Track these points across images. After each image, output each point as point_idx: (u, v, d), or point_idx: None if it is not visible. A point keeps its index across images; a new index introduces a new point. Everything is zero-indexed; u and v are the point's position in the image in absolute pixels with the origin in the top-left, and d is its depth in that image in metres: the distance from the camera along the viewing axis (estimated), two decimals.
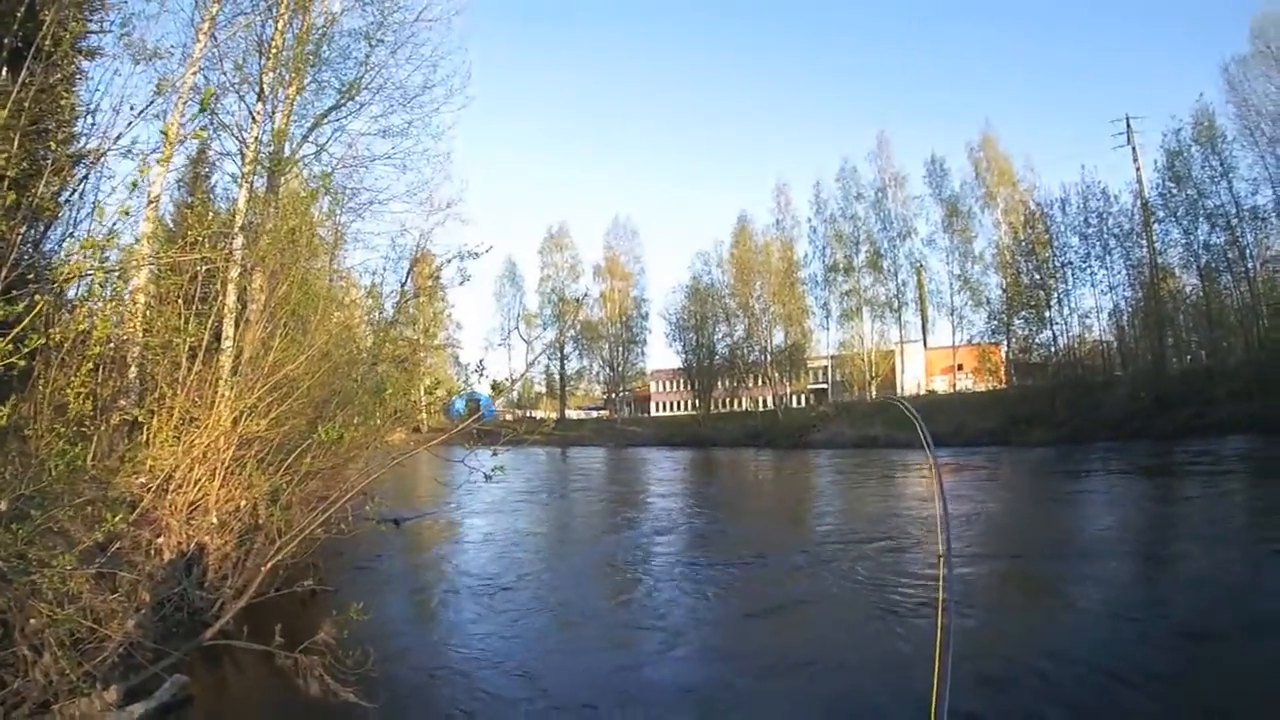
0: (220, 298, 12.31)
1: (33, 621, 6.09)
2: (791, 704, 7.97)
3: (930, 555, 14.17)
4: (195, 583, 9.62)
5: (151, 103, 6.71)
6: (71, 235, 10.47)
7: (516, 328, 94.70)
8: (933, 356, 78.65)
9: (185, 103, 12.48)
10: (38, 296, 5.04)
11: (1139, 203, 53.40)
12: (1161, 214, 52.61)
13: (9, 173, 5.75)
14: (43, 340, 5.04)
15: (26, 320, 5.11)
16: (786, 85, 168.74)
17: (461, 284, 13.04)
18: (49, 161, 7.97)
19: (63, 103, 9.01)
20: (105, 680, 6.55)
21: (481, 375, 10.52)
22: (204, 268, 10.95)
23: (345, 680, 7.49)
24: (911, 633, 9.78)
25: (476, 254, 12.53)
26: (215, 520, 10.34)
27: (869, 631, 10.22)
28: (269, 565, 9.61)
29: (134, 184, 7.48)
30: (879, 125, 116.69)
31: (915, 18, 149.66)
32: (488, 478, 8.94)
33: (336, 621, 8.04)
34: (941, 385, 74.50)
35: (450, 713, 7.95)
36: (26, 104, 7.29)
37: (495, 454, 9.05)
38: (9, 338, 4.69)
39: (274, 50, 15.30)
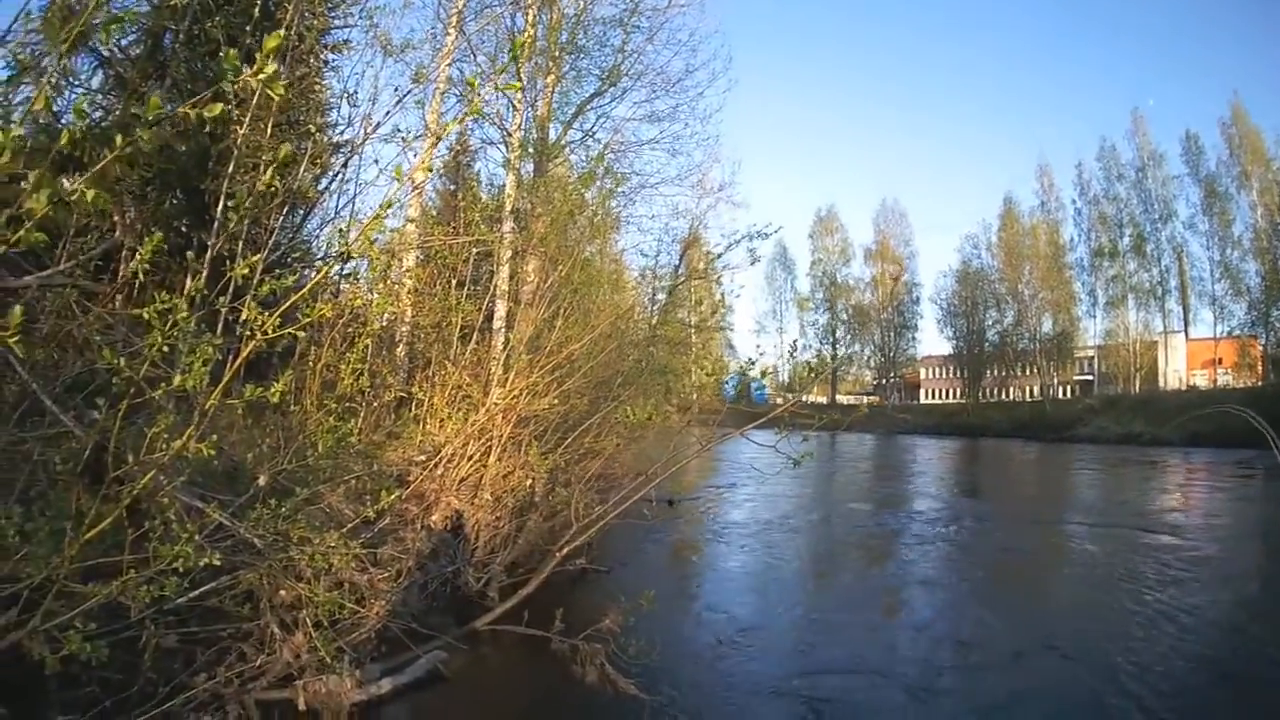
0: (493, 280, 12.22)
1: (282, 594, 5.86)
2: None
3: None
4: (465, 560, 9.41)
5: (410, 92, 6.46)
6: (333, 220, 10.57)
7: (821, 312, 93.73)
8: (1194, 348, 72.56)
9: (441, 94, 12.45)
10: (314, 271, 4.78)
11: None
12: None
13: (277, 161, 5.53)
14: (313, 316, 4.74)
15: (301, 294, 4.86)
16: (1043, 62, 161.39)
17: (752, 264, 12.74)
18: (306, 150, 7.92)
19: (314, 96, 9.03)
20: (358, 658, 6.27)
21: (794, 356, 10.09)
22: (475, 251, 10.84)
23: (626, 671, 6.99)
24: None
25: (766, 234, 12.23)
26: (489, 497, 10.13)
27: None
28: (567, 549, 9.38)
29: (427, 167, 7.37)
30: (1132, 103, 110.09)
31: None
32: (796, 463, 8.25)
33: (624, 609, 7.56)
34: (1201, 380, 68.97)
35: (733, 710, 7.29)
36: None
37: (805, 439, 8.47)
38: (278, 312, 4.41)
39: (526, 40, 15.03)
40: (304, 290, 4.66)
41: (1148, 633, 9.74)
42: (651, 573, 13.01)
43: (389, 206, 5.20)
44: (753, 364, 10.02)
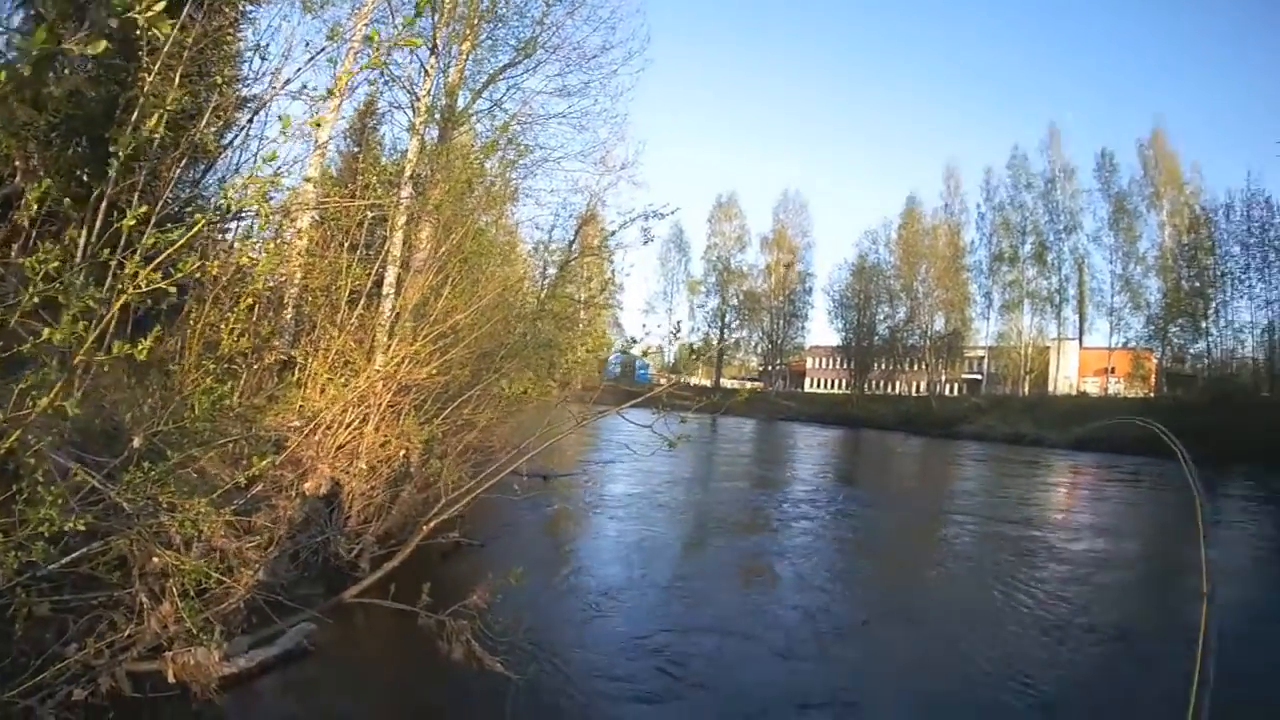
0: (386, 245, 12.13)
1: (155, 561, 5.81)
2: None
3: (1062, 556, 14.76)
4: (337, 529, 9.38)
5: (323, 49, 6.38)
6: (234, 176, 10.41)
7: (712, 296, 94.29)
8: (1087, 356, 75.23)
9: (356, 54, 12.32)
10: (194, 225, 4.69)
11: None
12: None
13: (166, 109, 5.43)
14: (196, 270, 4.69)
15: (177, 245, 4.77)
16: (958, 72, 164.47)
17: (645, 244, 12.89)
18: (211, 102, 7.78)
19: (227, 47, 8.89)
20: (227, 629, 6.23)
21: (676, 337, 10.12)
22: (370, 214, 10.76)
23: (493, 648, 7.02)
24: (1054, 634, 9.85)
25: (662, 214, 12.35)
26: (365, 466, 10.10)
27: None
28: (435, 521, 9.39)
29: (317, 122, 7.29)
30: (1050, 116, 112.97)
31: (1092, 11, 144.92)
32: (671, 445, 8.28)
33: (492, 584, 7.56)
34: (1092, 387, 71.88)
35: (598, 691, 7.43)
36: (187, 45, 7.08)
37: (683, 421, 8.48)
38: (152, 265, 4.35)
39: (447, 6, 15.06)
40: (178, 244, 4.56)
41: (992, 606, 11.08)
42: (526, 547, 13.19)
43: (272, 158, 5.18)
44: (634, 343, 10.10)
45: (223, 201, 5.27)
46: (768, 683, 7.91)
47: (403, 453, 10.70)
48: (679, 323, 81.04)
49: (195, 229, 4.65)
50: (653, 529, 15.49)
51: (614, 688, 7.51)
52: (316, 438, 9.62)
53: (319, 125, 8.72)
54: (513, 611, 7.27)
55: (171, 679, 5.62)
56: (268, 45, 9.67)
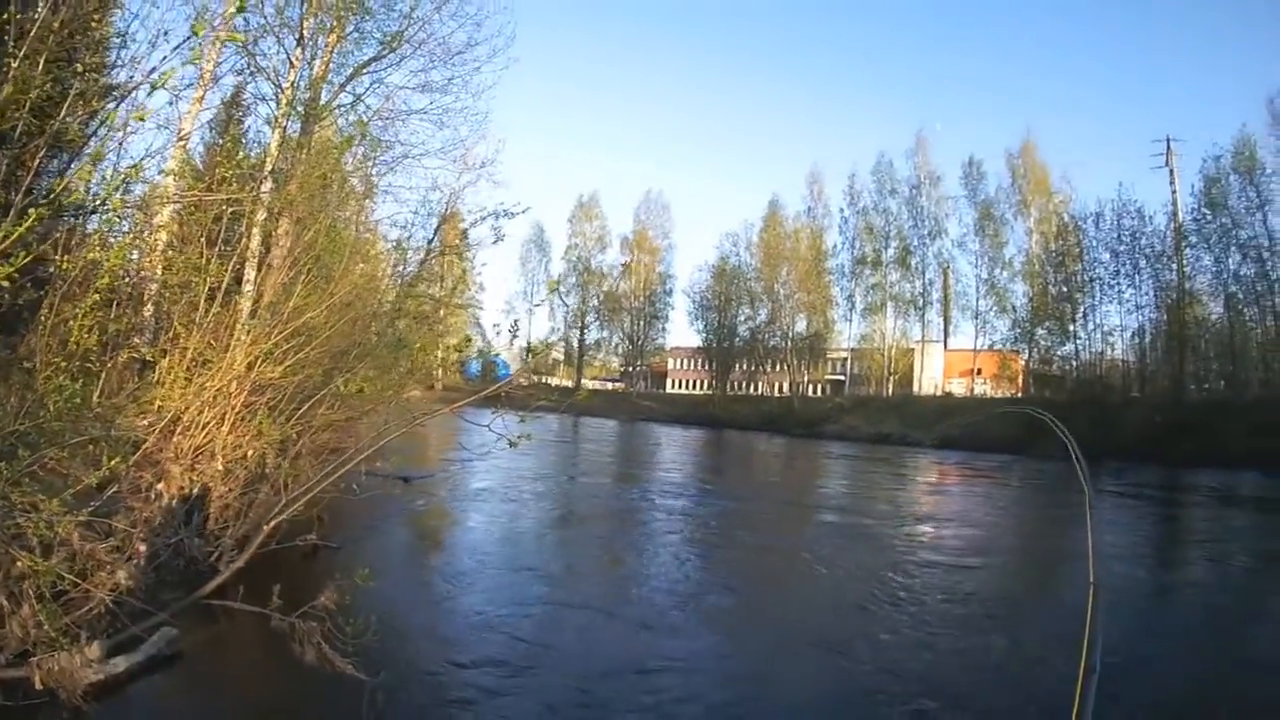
0: (244, 241, 12.02)
1: (19, 565, 5.75)
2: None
3: (907, 542, 16.29)
4: (195, 531, 9.28)
5: (188, 39, 6.34)
6: (89, 168, 10.20)
7: (555, 293, 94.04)
8: (952, 358, 77.67)
9: (223, 43, 12.16)
10: (44, 220, 4.65)
11: (1172, 225, 52.99)
12: (1194, 239, 52.50)
13: (29, 97, 5.38)
14: (17, 265, 4.67)
15: (10, 240, 4.73)
16: (827, 78, 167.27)
17: (495, 243, 12.98)
18: (76, 90, 7.66)
19: (94, 32, 8.72)
20: (90, 633, 6.18)
21: (515, 338, 10.19)
22: (230, 209, 10.65)
23: (344, 650, 7.01)
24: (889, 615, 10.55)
25: (512, 214, 12.39)
26: (221, 467, 10.02)
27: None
28: (274, 521, 9.43)
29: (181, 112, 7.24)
30: (920, 124, 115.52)
31: (965, 21, 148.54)
32: (513, 445, 8.42)
33: (340, 586, 7.57)
34: (958, 388, 73.74)
35: (451, 694, 7.52)
36: (54, 30, 6.98)
37: (523, 420, 8.64)
38: (0, 252, 4.32)
39: None
40: (11, 239, 4.54)
41: (852, 590, 11.87)
42: (386, 547, 13.34)
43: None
44: (477, 342, 10.29)
45: (71, 193, 5.23)
46: (614, 654, 8.60)
47: (256, 453, 10.62)
48: (515, 321, 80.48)
49: (29, 222, 4.63)
50: (514, 524, 16.10)
51: (468, 675, 7.81)
52: (175, 438, 9.52)
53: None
54: (370, 611, 7.25)
55: (39, 685, 5.57)
56: (135, 32, 9.52)
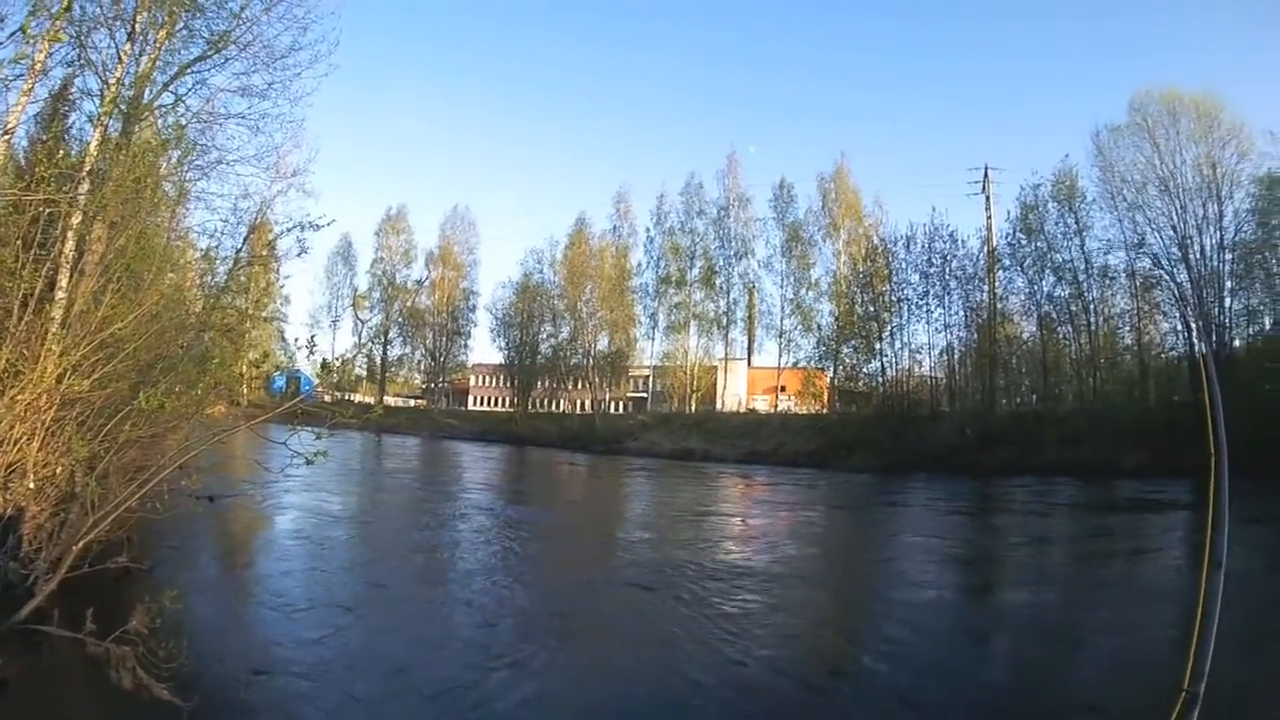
0: (59, 244, 11.62)
1: None
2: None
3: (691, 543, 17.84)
4: (9, 554, 8.95)
5: (19, 29, 6.15)
6: None
7: (352, 307, 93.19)
8: (756, 375, 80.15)
9: (57, 33, 11.80)
10: None
11: (985, 248, 55.72)
12: (1008, 262, 55.38)
13: None
14: None
15: None
16: (641, 99, 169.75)
17: (300, 255, 12.93)
18: None
19: None
20: None
21: (312, 353, 10.15)
22: (46, 210, 10.30)
23: (158, 675, 6.97)
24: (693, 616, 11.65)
25: (318, 226, 12.33)
26: (32, 485, 9.67)
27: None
28: (82, 541, 9.17)
29: None
30: (732, 147, 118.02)
31: (788, 50, 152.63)
32: (309, 462, 8.68)
33: (149, 609, 7.54)
34: (762, 405, 75.36)
35: (268, 696, 7.91)
36: None
37: (319, 437, 8.94)
38: None
39: None
40: None
41: (655, 597, 12.84)
42: (190, 570, 13.21)
43: None
44: (279, 356, 10.37)
45: None
46: (411, 663, 9.28)
47: (65, 471, 10.26)
48: (313, 336, 79.64)
49: None
50: (318, 540, 16.52)
51: (278, 696, 8.05)
52: None
53: None
54: (183, 634, 7.32)
55: None
56: None
